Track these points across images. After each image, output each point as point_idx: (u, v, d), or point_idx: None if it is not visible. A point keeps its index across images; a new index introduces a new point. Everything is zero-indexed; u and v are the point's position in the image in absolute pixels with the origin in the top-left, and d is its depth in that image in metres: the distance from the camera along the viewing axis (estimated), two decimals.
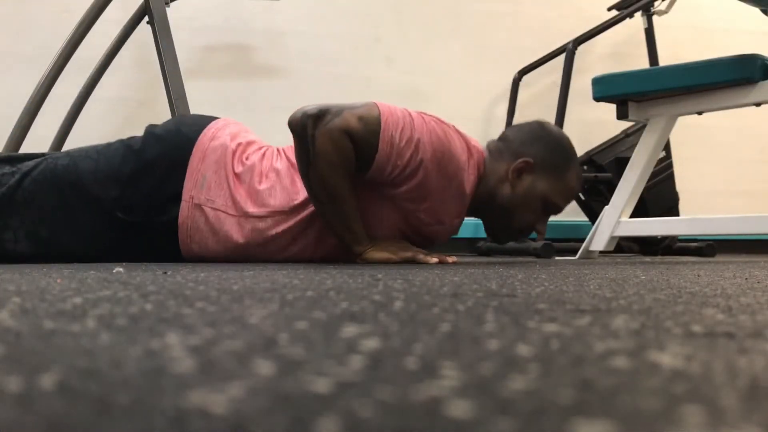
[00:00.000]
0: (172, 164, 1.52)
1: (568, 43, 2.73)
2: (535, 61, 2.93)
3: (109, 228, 1.51)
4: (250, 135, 1.64)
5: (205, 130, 1.56)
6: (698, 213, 2.98)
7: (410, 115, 1.47)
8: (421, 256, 1.52)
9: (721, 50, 2.22)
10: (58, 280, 0.83)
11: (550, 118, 2.68)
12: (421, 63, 3.11)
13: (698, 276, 1.04)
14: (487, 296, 0.64)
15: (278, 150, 1.60)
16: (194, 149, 1.53)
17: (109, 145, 1.57)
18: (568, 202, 1.62)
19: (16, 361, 0.31)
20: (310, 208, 1.52)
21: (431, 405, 0.23)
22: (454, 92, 3.06)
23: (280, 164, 1.56)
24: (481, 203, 1.59)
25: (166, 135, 1.56)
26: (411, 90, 3.10)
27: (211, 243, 1.53)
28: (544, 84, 3.09)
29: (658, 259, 2.40)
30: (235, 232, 1.52)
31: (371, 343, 0.36)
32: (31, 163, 1.53)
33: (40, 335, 0.38)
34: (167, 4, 2.33)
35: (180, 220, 1.51)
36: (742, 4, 2.12)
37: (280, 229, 1.53)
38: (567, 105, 2.63)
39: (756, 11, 2.25)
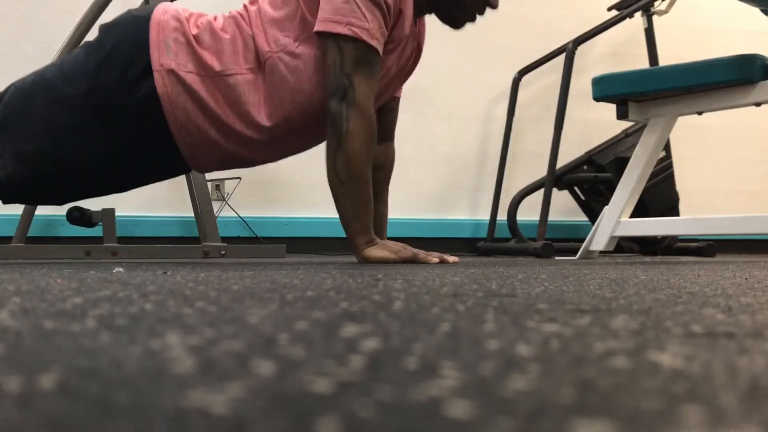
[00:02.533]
0: (133, 42, 1.51)
1: (568, 43, 2.73)
2: (535, 61, 2.93)
3: (90, 125, 1.50)
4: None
5: (155, 8, 1.57)
6: (698, 213, 2.98)
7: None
8: (421, 256, 1.52)
9: (721, 50, 2.22)
10: (58, 280, 0.83)
11: (550, 118, 2.69)
12: (421, 63, 3.10)
13: (698, 276, 1.04)
14: (487, 296, 0.64)
15: (229, 13, 1.59)
16: (151, 23, 1.52)
17: (71, 51, 1.60)
18: None
19: (16, 361, 0.31)
20: (275, 73, 1.51)
21: (431, 405, 0.23)
22: (454, 92, 3.06)
23: (235, 23, 1.55)
24: None
25: (119, 21, 1.57)
26: (411, 90, 3.09)
27: (192, 111, 1.51)
28: (544, 84, 3.09)
29: (658, 259, 2.40)
30: (213, 95, 1.51)
31: (371, 343, 0.36)
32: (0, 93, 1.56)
33: (40, 335, 0.38)
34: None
35: (159, 91, 1.49)
36: (742, 4, 2.12)
37: (251, 88, 1.51)
38: (567, 105, 2.63)
39: (756, 11, 2.25)
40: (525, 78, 2.98)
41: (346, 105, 1.45)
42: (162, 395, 0.24)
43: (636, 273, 1.11)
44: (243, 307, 0.52)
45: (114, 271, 1.07)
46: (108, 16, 2.36)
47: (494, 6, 1.62)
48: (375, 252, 1.51)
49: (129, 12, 1.63)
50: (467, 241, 2.99)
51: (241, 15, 1.55)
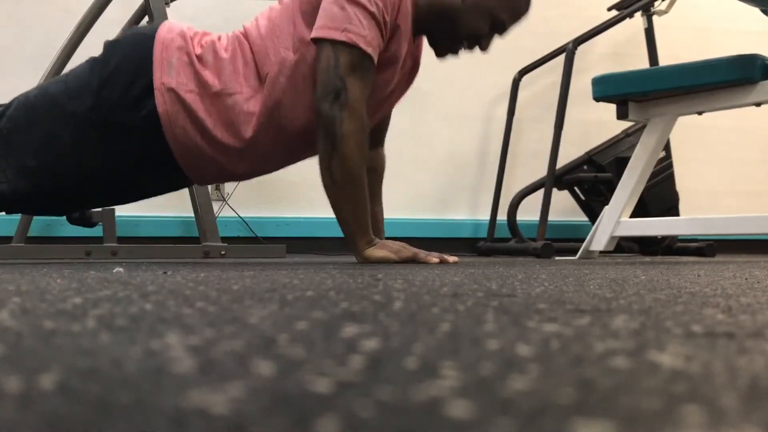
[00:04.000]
0: (137, 60, 1.52)
1: (568, 43, 2.72)
2: (535, 61, 2.93)
3: (92, 140, 1.51)
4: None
5: (161, 26, 1.57)
6: (698, 213, 2.98)
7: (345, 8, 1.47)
8: (421, 256, 1.52)
9: (721, 50, 2.22)
10: (58, 280, 0.83)
11: (550, 118, 2.68)
12: (421, 62, 3.10)
13: (698, 276, 1.04)
14: (487, 296, 0.64)
15: (232, 33, 1.60)
16: (155, 42, 1.53)
17: (75, 67, 1.59)
18: (514, 20, 1.65)
19: (16, 361, 0.31)
20: (276, 86, 1.51)
21: (431, 405, 0.23)
22: (454, 92, 3.06)
23: (237, 38, 1.55)
24: (427, 15, 1.59)
25: (124, 39, 1.58)
26: (411, 90, 3.10)
27: (192, 130, 1.52)
28: (544, 84, 3.09)
29: (658, 259, 2.40)
30: (213, 113, 1.51)
31: (371, 343, 0.36)
32: (2, 107, 1.56)
33: (40, 335, 0.38)
34: (167, 4, 2.33)
35: (159, 110, 1.50)
36: (742, 4, 2.13)
37: (250, 105, 1.51)
38: (567, 105, 2.63)
39: (756, 11, 2.25)
40: (525, 78, 2.98)
41: (339, 107, 1.44)
42: (162, 395, 0.24)
43: (636, 273, 1.11)
44: (243, 307, 0.52)
45: (114, 271, 1.07)
46: (108, 16, 2.37)
47: (483, 48, 1.65)
48: (375, 252, 1.51)
49: (134, 29, 1.64)
50: (467, 241, 2.99)
51: (242, 34, 1.56)
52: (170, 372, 0.28)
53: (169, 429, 0.20)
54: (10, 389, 0.25)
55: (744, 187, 3.39)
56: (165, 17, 2.31)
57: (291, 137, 1.54)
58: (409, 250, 1.53)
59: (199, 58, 1.53)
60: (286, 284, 0.78)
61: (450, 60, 1.54)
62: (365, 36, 1.45)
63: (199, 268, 1.21)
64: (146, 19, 2.38)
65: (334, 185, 1.48)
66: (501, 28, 1.63)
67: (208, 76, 1.51)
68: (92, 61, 1.55)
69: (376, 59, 1.48)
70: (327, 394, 0.25)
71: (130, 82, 1.50)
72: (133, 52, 1.53)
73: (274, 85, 1.50)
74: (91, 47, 2.38)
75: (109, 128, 1.49)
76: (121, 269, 1.12)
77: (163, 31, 1.55)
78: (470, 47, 1.65)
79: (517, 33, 3.21)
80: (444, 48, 1.65)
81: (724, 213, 3.10)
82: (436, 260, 1.53)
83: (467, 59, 3.18)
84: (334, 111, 1.44)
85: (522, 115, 3.02)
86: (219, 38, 1.57)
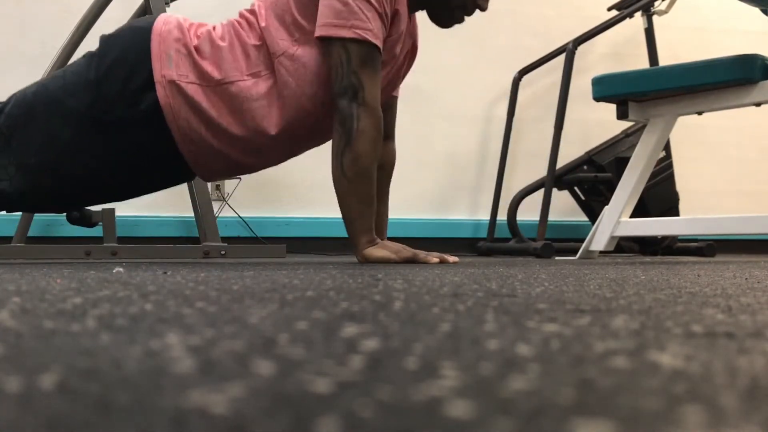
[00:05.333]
0: (135, 54, 1.52)
1: (568, 43, 2.73)
2: (535, 61, 2.93)
3: (93, 137, 1.50)
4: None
5: (157, 19, 1.57)
6: (698, 213, 2.98)
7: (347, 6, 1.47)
8: (421, 256, 1.52)
9: (721, 50, 2.22)
10: (58, 280, 0.83)
11: (550, 118, 2.69)
12: (421, 63, 3.09)
13: (698, 276, 1.04)
14: (487, 296, 0.64)
15: (227, 21, 1.59)
16: (152, 35, 1.53)
17: (73, 62, 1.59)
18: None
19: (16, 361, 0.31)
20: (276, 69, 1.51)
21: (431, 405, 0.23)
22: (454, 92, 3.06)
23: (232, 25, 1.56)
24: None
25: (121, 33, 1.57)
26: (411, 90, 3.10)
27: (197, 121, 1.52)
28: (544, 84, 3.09)
29: (658, 259, 2.40)
30: (215, 103, 1.51)
31: (371, 343, 0.36)
32: (1, 103, 1.56)
33: (40, 335, 0.38)
34: (167, 4, 2.33)
35: (161, 102, 1.50)
36: (742, 4, 2.13)
37: (254, 92, 1.51)
38: (567, 105, 2.63)
39: (756, 11, 2.25)
40: (525, 78, 2.98)
41: (357, 104, 1.46)
42: (162, 395, 0.24)
43: (636, 273, 1.11)
44: (243, 307, 0.52)
45: (114, 271, 1.07)
46: (108, 16, 2.37)
47: (483, 8, 1.62)
48: (375, 252, 1.51)
49: (130, 23, 1.63)
50: (467, 241, 2.99)
51: (238, 22, 1.56)
52: (170, 372, 0.28)
53: (169, 429, 0.20)
54: (10, 389, 0.25)
55: (744, 187, 3.38)
56: None
57: (296, 125, 1.54)
58: (409, 251, 1.53)
59: (197, 49, 1.53)
60: (286, 284, 0.78)
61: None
62: (372, 29, 1.46)
63: (199, 268, 1.21)
64: None
65: (346, 181, 1.49)
66: None
67: (207, 66, 1.51)
68: (89, 56, 1.55)
69: (382, 49, 1.49)
70: (327, 394, 0.25)
71: (128, 76, 1.50)
72: (131, 45, 1.53)
73: (277, 73, 1.51)
74: (91, 47, 2.39)
75: (110, 124, 1.49)
76: (121, 269, 1.12)
77: (160, 23, 1.55)
78: (470, 12, 1.63)
79: (517, 33, 3.22)
80: (445, 19, 1.64)
81: (724, 213, 3.10)
82: (436, 260, 1.53)
83: (467, 59, 3.19)
84: (352, 108, 1.46)
85: (522, 115, 3.02)
86: (214, 28, 1.57)
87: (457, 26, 1.67)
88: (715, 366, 0.31)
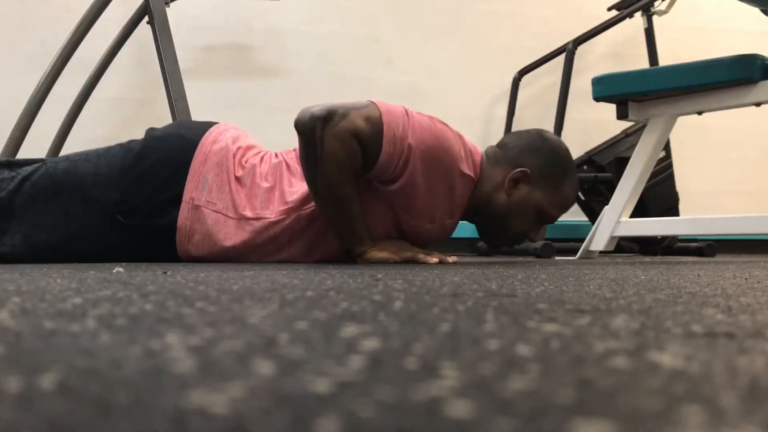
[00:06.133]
0: (173, 167, 1.52)
1: (568, 43, 2.73)
2: (535, 61, 2.94)
3: (107, 231, 1.50)
4: (250, 139, 1.65)
5: (207, 134, 1.57)
6: (698, 213, 2.98)
7: (406, 113, 1.47)
8: (421, 256, 1.52)
9: (721, 50, 2.22)
10: (58, 280, 0.83)
11: (550, 118, 2.69)
12: (421, 63, 3.10)
13: (698, 276, 1.04)
14: (487, 296, 0.64)
15: (276, 154, 1.60)
16: (196, 152, 1.53)
17: (108, 149, 1.56)
18: (562, 212, 1.63)
19: (16, 361, 0.31)
20: (307, 209, 1.52)
21: (431, 405, 0.23)
22: (454, 92, 3.06)
23: (279, 168, 1.56)
24: (476, 207, 1.59)
25: (167, 138, 1.56)
26: (411, 90, 3.10)
27: (207, 245, 1.53)
28: (544, 84, 3.09)
29: (658, 259, 2.40)
30: (233, 234, 1.52)
31: (371, 343, 0.36)
32: (29, 168, 1.53)
33: (40, 335, 0.38)
34: (167, 4, 2.33)
35: (179, 222, 1.51)
36: (742, 4, 2.12)
37: (278, 229, 1.52)
38: (567, 105, 2.63)
39: (756, 11, 2.25)
40: (525, 78, 2.98)
41: (327, 128, 1.39)
42: (162, 395, 0.24)
43: (636, 273, 1.11)
44: (243, 307, 0.52)
45: (114, 271, 1.07)
46: (108, 15, 2.37)
47: (533, 240, 1.64)
48: (375, 253, 1.51)
49: (179, 129, 1.60)
50: (467, 241, 2.99)
51: (287, 164, 1.56)
52: (170, 372, 0.28)
53: (169, 429, 0.20)
54: (10, 389, 0.25)
55: (744, 187, 3.39)
56: (165, 17, 2.31)
57: (318, 246, 1.57)
58: (409, 250, 1.53)
59: (238, 180, 1.53)
60: (286, 284, 0.78)
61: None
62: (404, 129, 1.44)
63: (199, 268, 1.21)
64: (146, 19, 2.38)
65: (324, 204, 1.47)
66: (549, 220, 1.62)
67: (242, 199, 1.52)
68: (127, 151, 1.53)
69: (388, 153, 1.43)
70: (327, 394, 0.25)
71: (160, 188, 1.50)
72: (173, 156, 1.52)
73: (303, 220, 1.53)
74: (92, 47, 2.39)
75: (128, 224, 1.50)
76: (121, 269, 1.12)
77: (209, 141, 1.55)
78: (520, 243, 1.66)
79: (517, 33, 3.22)
80: (496, 243, 1.68)
81: (724, 213, 3.10)
82: (436, 260, 1.53)
83: (467, 59, 3.19)
84: (319, 130, 1.39)
85: (522, 115, 3.02)
86: (261, 160, 1.57)
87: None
88: (715, 366, 0.31)
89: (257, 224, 1.52)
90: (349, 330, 0.41)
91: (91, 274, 0.99)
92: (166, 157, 1.52)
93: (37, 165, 1.54)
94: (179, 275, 0.96)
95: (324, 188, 1.44)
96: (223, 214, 1.52)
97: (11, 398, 0.24)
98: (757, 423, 0.21)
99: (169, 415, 0.22)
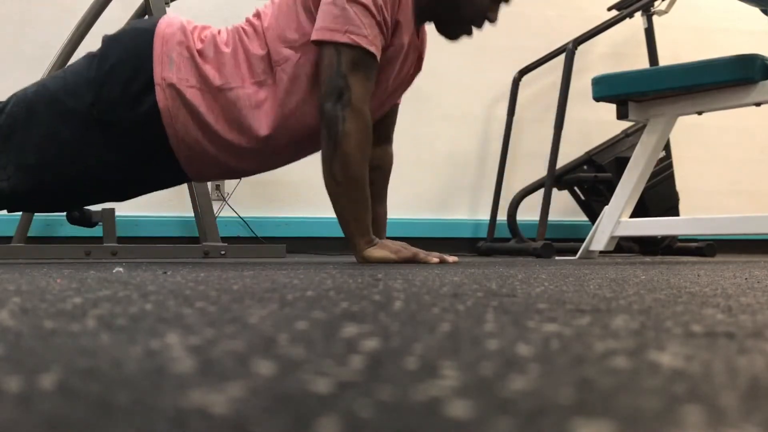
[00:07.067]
0: (137, 55, 1.52)
1: (568, 43, 2.72)
2: (535, 61, 2.93)
3: (94, 138, 1.51)
4: (201, 23, 1.65)
5: (160, 21, 1.57)
6: (698, 213, 2.98)
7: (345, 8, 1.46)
8: (421, 256, 1.52)
9: (721, 50, 2.22)
10: (58, 280, 0.83)
11: (550, 118, 2.68)
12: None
13: (698, 276, 1.04)
14: (487, 296, 0.64)
15: (232, 25, 1.60)
16: (155, 37, 1.53)
17: (73, 63, 1.59)
18: None
19: (16, 361, 0.31)
20: (281, 83, 1.51)
21: (431, 405, 0.23)
22: (454, 92, 3.06)
23: (237, 33, 1.56)
24: (428, 3, 1.57)
25: (123, 34, 1.58)
26: (411, 90, 3.09)
27: (191, 126, 1.52)
28: (544, 84, 3.09)
29: (658, 259, 2.40)
30: (212, 109, 1.51)
31: (371, 343, 0.36)
32: (1, 103, 1.56)
33: (40, 335, 0.38)
34: (167, 4, 2.33)
35: (160, 105, 1.50)
36: (742, 4, 2.12)
37: (254, 100, 1.51)
38: (567, 105, 2.63)
39: (756, 11, 2.25)
40: (525, 78, 2.98)
41: (342, 106, 1.45)
42: (162, 395, 0.24)
43: (636, 273, 1.11)
44: (243, 307, 0.52)
45: (114, 271, 1.07)
46: (108, 16, 2.37)
47: (492, 21, 1.62)
48: (375, 252, 1.51)
49: (133, 24, 1.63)
50: (467, 241, 2.99)
51: (243, 30, 1.56)
52: (170, 372, 0.28)
53: (169, 429, 0.20)
54: (10, 389, 0.25)
55: (744, 187, 3.38)
56: None
57: (298, 135, 1.54)
58: (409, 250, 1.53)
59: (200, 52, 1.53)
60: (286, 284, 0.78)
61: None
62: (367, 36, 1.45)
63: (199, 268, 1.21)
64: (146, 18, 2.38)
65: (336, 185, 1.48)
66: None
67: (209, 70, 1.51)
68: (90, 57, 1.55)
69: (379, 57, 1.48)
70: (327, 394, 0.25)
71: (129, 78, 1.50)
72: (133, 47, 1.53)
73: (277, 83, 1.51)
74: (91, 47, 2.38)
75: (110, 124, 1.50)
76: (121, 269, 1.12)
77: (163, 25, 1.55)
78: (479, 25, 1.62)
79: (517, 33, 3.21)
80: (453, 32, 1.64)
81: (724, 213, 3.10)
82: (436, 260, 1.53)
83: (467, 59, 3.18)
84: (337, 110, 1.45)
85: (522, 115, 3.02)
86: (219, 32, 1.57)
87: None
88: (715, 366, 0.31)
89: (231, 94, 1.50)
90: (349, 330, 0.41)
91: (91, 274, 0.99)
92: (127, 49, 1.53)
93: (8, 98, 1.57)
94: (179, 275, 0.96)
95: (340, 167, 1.46)
96: (197, 88, 1.51)
97: (11, 398, 0.24)
98: (757, 423, 0.21)
99: (169, 415, 0.22)
